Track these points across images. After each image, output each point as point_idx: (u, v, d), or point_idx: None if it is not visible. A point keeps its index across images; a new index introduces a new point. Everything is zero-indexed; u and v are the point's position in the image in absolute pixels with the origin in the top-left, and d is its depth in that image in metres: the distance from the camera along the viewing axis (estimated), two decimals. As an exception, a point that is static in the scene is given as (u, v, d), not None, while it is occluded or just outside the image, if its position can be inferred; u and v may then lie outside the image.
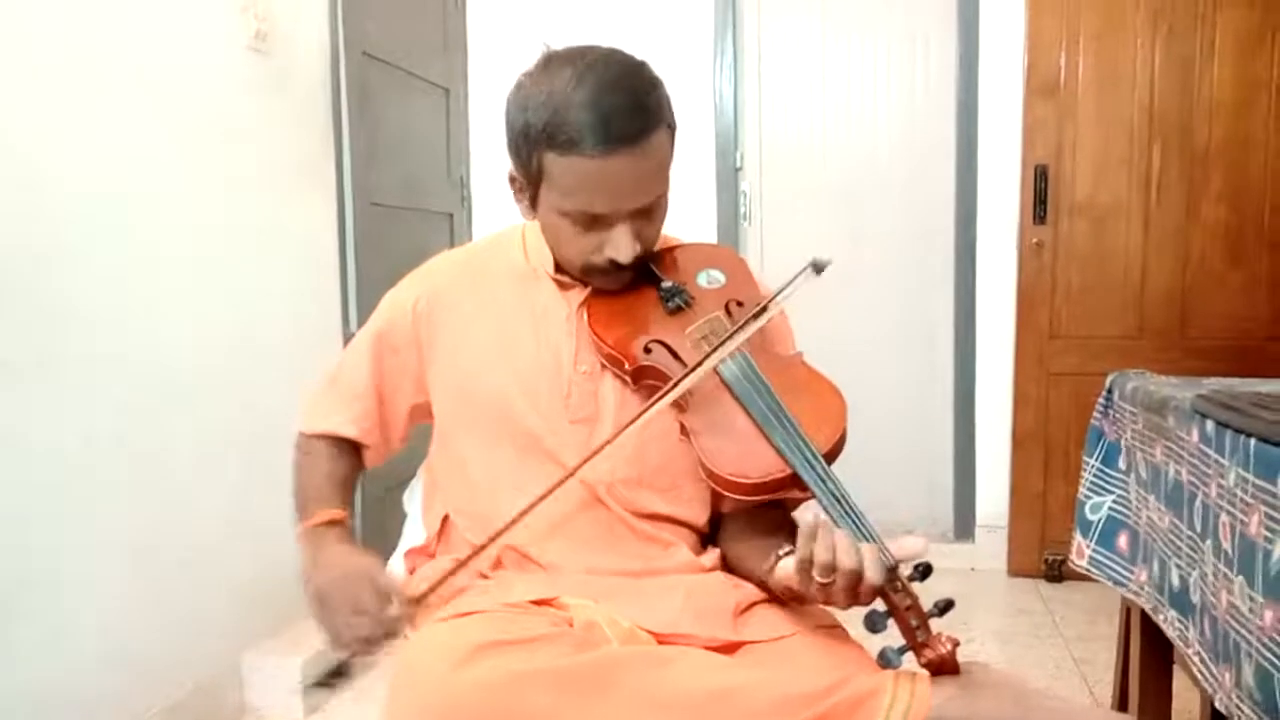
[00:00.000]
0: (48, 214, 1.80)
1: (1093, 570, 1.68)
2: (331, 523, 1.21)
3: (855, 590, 0.93)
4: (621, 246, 1.13)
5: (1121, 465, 1.65)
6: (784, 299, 1.16)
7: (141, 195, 2.02)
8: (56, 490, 1.81)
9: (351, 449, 1.33)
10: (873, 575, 0.92)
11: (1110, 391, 1.69)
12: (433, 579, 1.10)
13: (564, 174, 1.09)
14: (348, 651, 1.06)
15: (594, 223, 1.13)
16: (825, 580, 0.93)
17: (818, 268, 1.13)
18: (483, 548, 1.10)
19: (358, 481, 1.35)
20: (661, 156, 1.13)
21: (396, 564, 1.33)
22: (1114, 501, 1.66)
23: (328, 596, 1.07)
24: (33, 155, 1.77)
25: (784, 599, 1.10)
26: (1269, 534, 1.03)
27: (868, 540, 0.96)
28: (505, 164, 1.19)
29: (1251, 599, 1.07)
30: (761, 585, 1.13)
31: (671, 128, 1.15)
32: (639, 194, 1.12)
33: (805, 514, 0.98)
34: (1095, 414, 1.71)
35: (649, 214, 1.16)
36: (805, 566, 0.94)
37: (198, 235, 2.18)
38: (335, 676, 0.97)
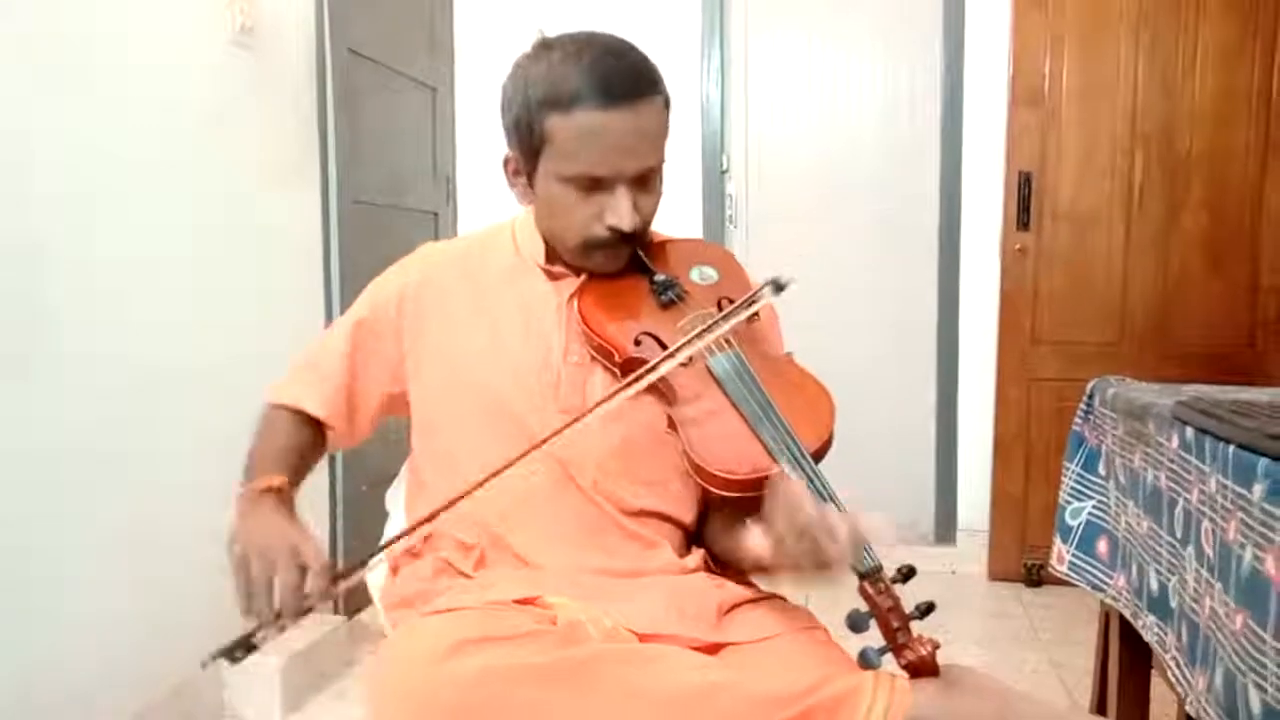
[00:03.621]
0: (30, 211, 1.78)
1: (1072, 575, 1.69)
2: (270, 489, 1.17)
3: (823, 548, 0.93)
4: (622, 212, 1.14)
5: (1102, 471, 1.66)
6: (746, 314, 1.16)
7: (123, 191, 2.00)
8: (35, 490, 1.79)
9: (315, 427, 1.31)
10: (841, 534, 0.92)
11: (1091, 397, 1.70)
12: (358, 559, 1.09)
13: (566, 135, 1.11)
14: (258, 620, 1.03)
15: (594, 187, 1.14)
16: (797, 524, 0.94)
17: (778, 287, 1.14)
18: (421, 523, 1.08)
19: (314, 462, 1.32)
20: (659, 124, 1.15)
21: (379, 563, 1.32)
22: (1094, 507, 1.67)
23: (247, 562, 1.04)
24: (13, 151, 1.75)
25: (753, 570, 1.10)
26: (1243, 540, 1.04)
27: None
28: (491, 163, 1.20)
29: (1227, 604, 1.07)
30: (751, 568, 1.14)
31: (667, 102, 1.17)
32: (638, 155, 1.14)
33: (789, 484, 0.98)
34: (1076, 420, 1.72)
35: (646, 184, 1.17)
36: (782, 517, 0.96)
37: (180, 232, 2.16)
38: (242, 648, 0.95)
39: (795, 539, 0.94)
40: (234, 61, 2.33)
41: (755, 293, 1.15)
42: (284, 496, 1.18)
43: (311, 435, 1.31)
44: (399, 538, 1.09)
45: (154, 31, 2.08)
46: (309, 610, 1.01)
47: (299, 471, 1.26)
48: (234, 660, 1.03)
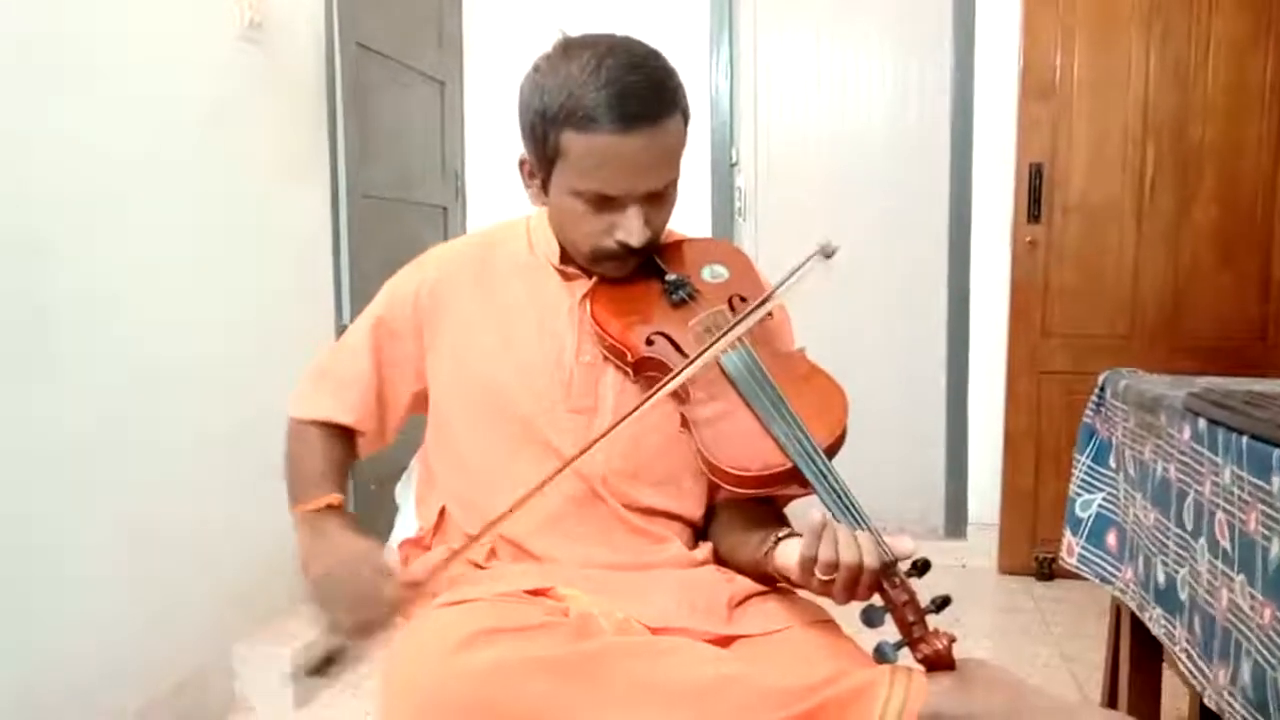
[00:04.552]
0: (37, 208, 1.79)
1: (1082, 568, 1.68)
2: (329, 508, 1.19)
3: (854, 585, 0.95)
4: (633, 229, 1.14)
5: (1112, 463, 1.66)
6: (789, 288, 1.15)
7: (132, 187, 2.00)
8: (46, 485, 1.80)
9: (345, 436, 1.31)
10: (870, 562, 0.94)
11: (1102, 390, 1.69)
12: (432, 565, 1.10)
13: (582, 153, 1.10)
14: (346, 637, 1.05)
15: (606, 204, 1.13)
16: (827, 578, 0.95)
17: (826, 253, 1.12)
18: (479, 535, 1.10)
19: (351, 469, 1.34)
20: (676, 141, 1.14)
21: (389, 556, 1.32)
22: (1104, 499, 1.66)
23: (327, 581, 1.06)
24: (20, 147, 1.75)
25: (778, 582, 1.11)
26: (1267, 532, 1.04)
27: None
28: (500, 159, 1.20)
29: (1252, 597, 1.07)
30: (755, 573, 1.14)
31: (686, 116, 1.16)
32: (653, 176, 1.13)
33: (812, 513, 0.98)
34: (1087, 412, 1.72)
35: (660, 199, 1.16)
36: (808, 565, 0.96)
37: (189, 227, 2.17)
38: (330, 664, 0.97)
39: (825, 570, 0.95)
40: (242, 57, 2.33)
41: (804, 263, 1.13)
42: (343, 512, 1.20)
43: (345, 445, 1.31)
44: (467, 546, 1.11)
45: (161, 27, 2.07)
46: (394, 620, 1.04)
47: (343, 485, 1.27)
48: (324, 674, 1.06)
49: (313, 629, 2.39)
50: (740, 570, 1.17)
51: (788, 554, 1.03)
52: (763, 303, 1.15)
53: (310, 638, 2.34)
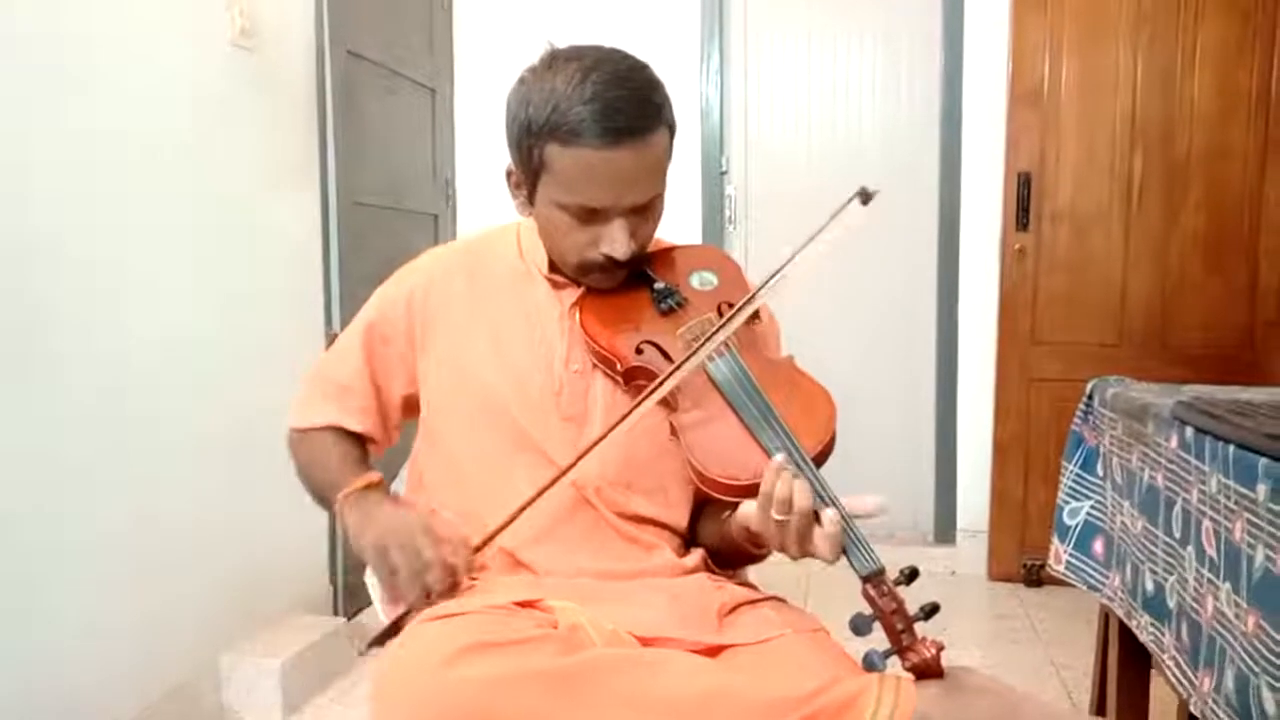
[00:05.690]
0: (28, 212, 1.78)
1: (1069, 575, 1.69)
2: (370, 486, 1.21)
3: (808, 534, 0.97)
4: (618, 242, 1.14)
5: (1100, 471, 1.66)
6: (822, 239, 1.14)
7: (122, 192, 2.00)
8: (33, 489, 1.79)
9: (354, 438, 1.32)
10: (830, 525, 0.96)
11: (1090, 398, 1.70)
12: (485, 534, 1.11)
13: (565, 166, 1.10)
14: (408, 603, 1.06)
15: (591, 217, 1.14)
16: (782, 517, 0.97)
17: (865, 197, 1.11)
18: (481, 546, 1.10)
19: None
20: (661, 155, 1.15)
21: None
22: (1091, 507, 1.67)
23: (387, 549, 1.07)
24: (13, 151, 1.75)
25: (739, 542, 1.12)
26: (1251, 540, 1.04)
27: (855, 543, 0.97)
28: (491, 166, 1.20)
29: (1237, 605, 1.07)
30: (719, 543, 1.17)
31: (672, 129, 1.16)
32: (638, 189, 1.13)
33: (776, 455, 1.00)
34: (1075, 420, 1.72)
35: (645, 212, 1.17)
36: (766, 502, 0.99)
37: (180, 233, 2.17)
38: (393, 634, 0.98)
39: (781, 509, 0.97)
40: (233, 63, 2.33)
41: (843, 206, 1.12)
42: (386, 489, 1.22)
43: (357, 445, 1.32)
44: (480, 546, 1.11)
45: (154, 33, 2.08)
46: (458, 583, 1.06)
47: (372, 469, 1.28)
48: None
49: (304, 637, 2.39)
50: (707, 545, 1.21)
51: (747, 506, 1.04)
52: (750, 300, 1.14)
53: (300, 647, 2.33)
